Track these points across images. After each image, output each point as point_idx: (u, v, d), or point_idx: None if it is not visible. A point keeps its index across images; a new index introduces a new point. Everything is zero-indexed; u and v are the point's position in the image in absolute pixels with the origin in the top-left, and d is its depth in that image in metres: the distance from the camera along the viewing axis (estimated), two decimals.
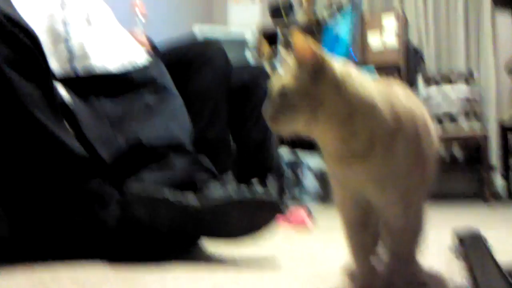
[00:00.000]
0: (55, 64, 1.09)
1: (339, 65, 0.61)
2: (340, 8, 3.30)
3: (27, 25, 0.95)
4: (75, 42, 1.12)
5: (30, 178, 0.95)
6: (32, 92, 0.93)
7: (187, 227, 0.94)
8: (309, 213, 1.70)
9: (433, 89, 3.05)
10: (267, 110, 0.61)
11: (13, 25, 0.92)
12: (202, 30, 3.44)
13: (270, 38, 3.54)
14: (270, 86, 0.62)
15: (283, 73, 0.62)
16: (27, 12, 1.05)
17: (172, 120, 1.13)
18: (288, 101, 0.60)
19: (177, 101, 1.19)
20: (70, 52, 1.11)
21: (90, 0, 1.24)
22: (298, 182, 3.09)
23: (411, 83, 3.05)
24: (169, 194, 0.94)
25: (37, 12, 1.12)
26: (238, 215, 0.94)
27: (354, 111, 0.59)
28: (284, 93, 0.60)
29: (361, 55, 3.06)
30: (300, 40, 0.59)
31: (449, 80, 3.05)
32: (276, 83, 0.61)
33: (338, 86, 0.59)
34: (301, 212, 1.68)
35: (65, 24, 1.13)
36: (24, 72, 0.92)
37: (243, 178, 1.51)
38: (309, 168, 3.12)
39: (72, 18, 1.14)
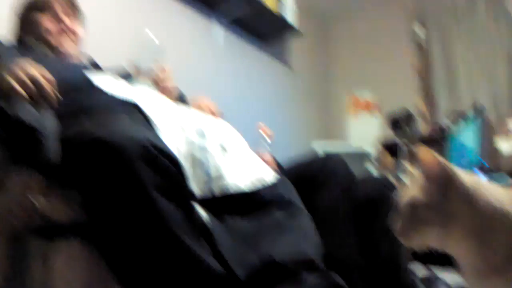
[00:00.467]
0: (193, 186, 1.18)
1: (469, 177, 0.61)
2: (463, 115, 3.23)
3: (171, 152, 1.05)
4: (211, 166, 1.22)
5: None
6: (176, 214, 1.00)
7: None
8: None
9: None
10: (396, 223, 0.62)
11: (158, 152, 1.01)
12: (322, 146, 3.54)
13: (392, 149, 3.52)
14: (398, 199, 0.63)
15: (410, 186, 0.63)
16: (169, 139, 1.18)
17: (302, 236, 1.16)
18: (417, 214, 0.60)
19: (305, 217, 1.23)
20: (207, 175, 1.20)
21: (223, 128, 1.38)
22: None
23: None
24: None
25: (177, 139, 1.23)
26: None
27: (489, 224, 0.57)
28: (413, 207, 0.60)
29: (490, 162, 2.91)
30: (427, 155, 0.61)
31: None
32: (405, 196, 0.62)
33: (469, 199, 0.59)
34: None
35: (203, 150, 1.24)
36: (169, 195, 1.00)
37: None
38: (446, 285, 2.89)
39: (209, 145, 1.25)
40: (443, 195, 0.59)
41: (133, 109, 1.27)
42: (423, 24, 3.89)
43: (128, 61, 1.54)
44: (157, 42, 1.53)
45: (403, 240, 0.61)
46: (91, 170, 1.00)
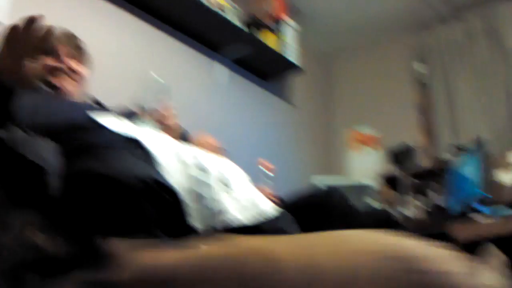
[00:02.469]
0: (196, 221, 1.18)
1: None
2: (463, 149, 3.27)
3: (170, 185, 1.05)
4: (213, 201, 1.22)
5: None
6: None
7: None
8: None
9: None
10: None
11: (160, 188, 1.01)
12: (321, 181, 3.56)
13: (392, 183, 3.54)
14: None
15: None
16: (171, 174, 1.19)
17: None
18: None
19: None
20: (209, 209, 1.20)
21: (224, 164, 1.40)
22: None
23: None
24: None
25: (179, 174, 1.23)
26: None
27: None
28: None
29: (490, 195, 2.92)
30: None
31: None
32: None
33: None
34: None
35: (204, 185, 1.24)
36: (169, 230, 0.99)
37: None
38: None
39: (211, 180, 1.26)
40: None
41: (135, 145, 1.28)
42: (424, 60, 3.96)
43: (132, 101, 1.59)
44: (161, 82, 1.58)
45: None
46: (93, 206, 1.01)
